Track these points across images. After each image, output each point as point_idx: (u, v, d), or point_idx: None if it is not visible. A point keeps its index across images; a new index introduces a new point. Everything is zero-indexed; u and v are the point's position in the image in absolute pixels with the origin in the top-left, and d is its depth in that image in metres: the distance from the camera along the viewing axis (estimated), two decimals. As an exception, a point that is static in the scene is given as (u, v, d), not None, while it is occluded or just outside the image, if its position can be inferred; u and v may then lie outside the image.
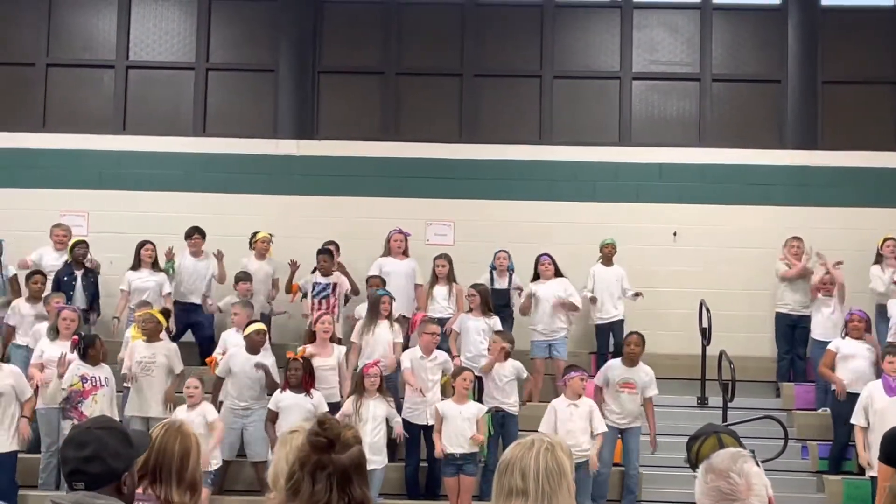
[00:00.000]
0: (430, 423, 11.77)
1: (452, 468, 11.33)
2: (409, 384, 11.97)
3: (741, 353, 13.65)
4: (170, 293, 13.98)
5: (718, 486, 3.27)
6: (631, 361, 12.41)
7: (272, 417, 11.53)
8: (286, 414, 11.33)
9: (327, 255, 13.89)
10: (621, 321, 14.16)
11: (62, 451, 3.71)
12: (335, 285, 13.78)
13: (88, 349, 11.53)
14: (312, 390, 11.58)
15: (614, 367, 12.45)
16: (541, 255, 14.00)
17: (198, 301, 14.18)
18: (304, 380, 11.51)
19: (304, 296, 13.89)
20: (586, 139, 15.75)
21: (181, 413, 11.22)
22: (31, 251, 14.30)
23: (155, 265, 14.08)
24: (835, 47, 15.92)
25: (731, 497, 3.26)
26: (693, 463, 4.88)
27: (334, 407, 11.71)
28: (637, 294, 14.22)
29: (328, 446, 3.43)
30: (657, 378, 12.58)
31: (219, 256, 14.28)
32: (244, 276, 13.96)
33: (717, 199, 15.42)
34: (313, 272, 14.05)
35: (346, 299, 14.05)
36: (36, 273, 13.51)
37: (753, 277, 14.90)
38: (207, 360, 13.04)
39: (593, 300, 14.15)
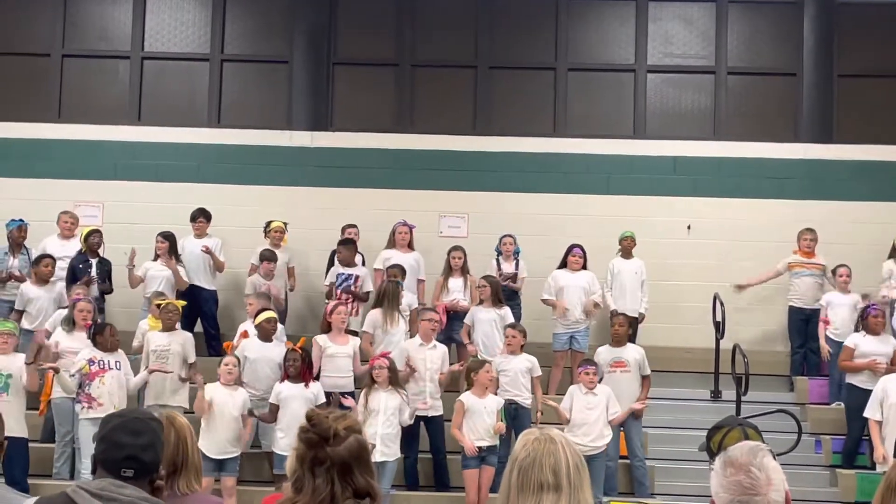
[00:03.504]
0: (430, 413, 11.81)
1: (475, 460, 11.32)
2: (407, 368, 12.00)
3: (755, 347, 13.66)
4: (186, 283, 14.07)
5: (739, 480, 3.26)
6: (618, 342, 12.46)
7: (273, 410, 11.53)
8: (286, 404, 11.35)
9: (345, 246, 13.91)
10: (642, 315, 14.14)
11: (113, 437, 3.69)
12: (357, 276, 13.81)
13: (97, 336, 11.59)
14: (311, 381, 11.54)
15: (602, 352, 12.52)
16: (573, 247, 13.98)
17: (201, 283, 14.28)
18: (302, 371, 11.49)
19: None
20: (600, 132, 15.74)
21: (217, 391, 11.29)
22: (40, 240, 14.35)
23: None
24: (851, 41, 15.87)
25: (751, 491, 3.25)
26: (712, 452, 4.87)
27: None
28: (595, 305, 14.01)
29: (321, 441, 3.42)
30: (671, 371, 12.62)
31: (206, 251, 14.30)
32: (270, 255, 14.01)
33: (732, 192, 15.39)
34: (331, 264, 14.10)
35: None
36: (46, 256, 13.56)
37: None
38: (225, 344, 13.08)
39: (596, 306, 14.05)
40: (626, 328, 12.58)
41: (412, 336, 12.68)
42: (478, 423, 11.37)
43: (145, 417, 3.82)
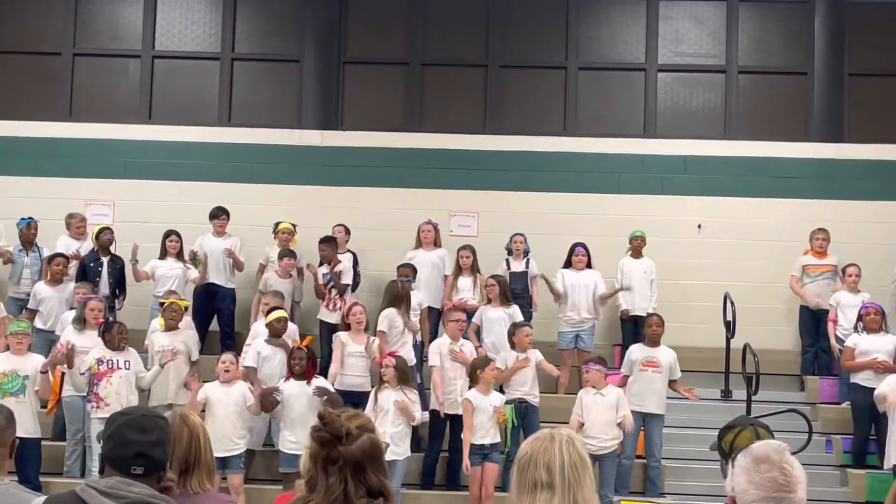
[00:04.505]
0: (460, 412, 11.80)
1: (478, 457, 11.36)
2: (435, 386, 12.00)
3: (765, 347, 13.62)
4: (195, 280, 14.08)
5: (774, 477, 3.24)
6: (652, 342, 12.47)
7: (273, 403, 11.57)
8: (292, 402, 11.37)
9: (327, 243, 13.95)
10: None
11: (121, 434, 3.70)
12: (340, 273, 13.83)
13: (105, 334, 11.62)
14: (314, 378, 11.52)
15: (635, 350, 12.53)
16: (575, 246, 14.01)
17: (219, 282, 14.29)
18: (307, 369, 11.51)
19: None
20: (611, 131, 15.73)
21: (214, 389, 11.34)
22: (51, 238, 14.38)
23: (179, 255, 14.15)
24: (862, 39, 15.84)
25: (786, 488, 3.23)
26: (724, 452, 4.85)
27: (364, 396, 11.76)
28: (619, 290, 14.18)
29: (333, 440, 3.42)
30: (681, 371, 12.56)
31: (229, 255, 14.31)
32: (288, 253, 14.04)
33: (742, 191, 15.37)
34: (321, 263, 14.19)
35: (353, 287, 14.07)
36: (57, 255, 13.60)
37: (778, 270, 14.82)
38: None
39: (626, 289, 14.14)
40: (661, 329, 12.54)
41: (418, 335, 12.72)
42: (483, 420, 11.39)
43: (152, 415, 3.82)
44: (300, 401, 11.27)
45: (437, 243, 14.37)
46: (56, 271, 13.40)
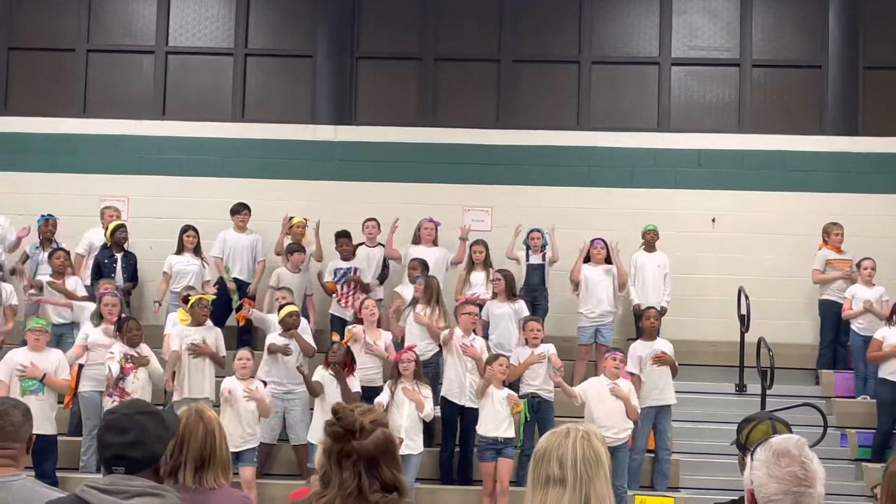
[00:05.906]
0: (468, 404, 11.81)
1: (492, 452, 11.36)
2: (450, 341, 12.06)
3: (780, 340, 13.59)
4: (209, 281, 14.08)
5: (794, 472, 3.23)
6: (650, 335, 12.51)
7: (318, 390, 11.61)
8: (324, 397, 11.38)
9: (346, 238, 13.99)
10: (664, 308, 14.10)
11: (102, 436, 3.77)
12: (356, 269, 13.84)
13: (118, 332, 11.72)
14: (349, 378, 11.53)
15: (639, 347, 12.50)
16: (594, 240, 13.98)
17: (243, 277, 14.31)
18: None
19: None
20: (625, 125, 15.69)
21: (230, 384, 11.36)
22: (75, 236, 14.43)
23: (196, 250, 14.17)
24: (876, 32, 15.78)
25: (806, 483, 3.23)
26: (741, 445, 4.86)
27: (376, 391, 11.77)
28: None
29: (347, 435, 3.43)
30: (695, 365, 12.60)
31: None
32: (298, 248, 14.06)
33: (757, 185, 15.33)
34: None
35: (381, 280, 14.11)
36: (58, 249, 13.64)
37: (792, 264, 14.80)
38: (243, 300, 13.21)
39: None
40: (659, 322, 12.62)
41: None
42: (493, 415, 11.41)
43: (133, 413, 3.82)
44: (329, 395, 11.26)
45: (436, 242, 14.35)
46: (56, 265, 13.43)
